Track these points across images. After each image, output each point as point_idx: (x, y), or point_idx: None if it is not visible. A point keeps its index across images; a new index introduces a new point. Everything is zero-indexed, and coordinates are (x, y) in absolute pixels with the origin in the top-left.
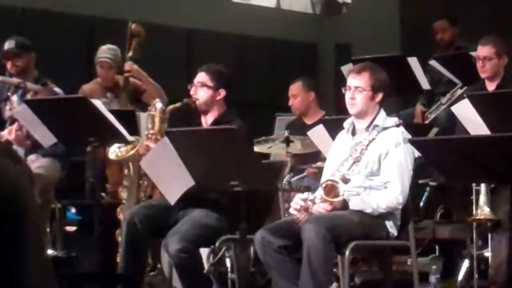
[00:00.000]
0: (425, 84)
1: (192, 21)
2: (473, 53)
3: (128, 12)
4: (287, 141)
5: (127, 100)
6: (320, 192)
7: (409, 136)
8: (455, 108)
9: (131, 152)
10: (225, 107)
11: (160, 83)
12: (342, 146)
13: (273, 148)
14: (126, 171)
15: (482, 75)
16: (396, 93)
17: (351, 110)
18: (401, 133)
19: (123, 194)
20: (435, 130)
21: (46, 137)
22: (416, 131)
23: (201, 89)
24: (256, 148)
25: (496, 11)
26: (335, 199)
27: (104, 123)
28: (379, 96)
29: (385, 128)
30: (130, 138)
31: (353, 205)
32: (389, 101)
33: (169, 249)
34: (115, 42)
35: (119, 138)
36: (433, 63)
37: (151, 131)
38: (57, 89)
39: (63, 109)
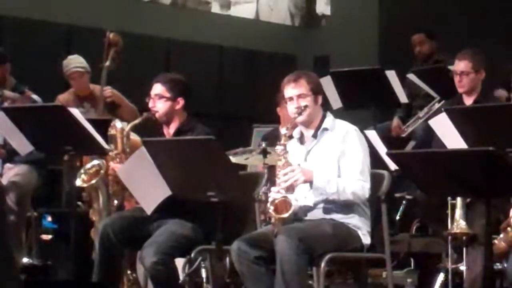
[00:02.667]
0: (403, 97)
1: (171, 31)
2: (451, 67)
3: (106, 21)
4: (264, 153)
5: (104, 110)
6: (272, 214)
7: (360, 134)
8: (432, 122)
9: (97, 178)
10: (185, 115)
11: (137, 93)
12: (293, 156)
13: (250, 159)
14: (94, 195)
15: (460, 90)
16: (374, 106)
17: (300, 118)
18: (354, 130)
19: (94, 217)
20: (412, 143)
21: (23, 145)
22: (393, 144)
23: (159, 101)
24: (233, 159)
25: (475, 25)
26: (287, 214)
27: (82, 132)
28: (320, 99)
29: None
30: (94, 161)
31: (317, 181)
32: (367, 114)
33: (145, 262)
34: (93, 51)
35: (96, 147)
36: (411, 76)
37: (115, 152)
38: (35, 97)
39: (40, 117)
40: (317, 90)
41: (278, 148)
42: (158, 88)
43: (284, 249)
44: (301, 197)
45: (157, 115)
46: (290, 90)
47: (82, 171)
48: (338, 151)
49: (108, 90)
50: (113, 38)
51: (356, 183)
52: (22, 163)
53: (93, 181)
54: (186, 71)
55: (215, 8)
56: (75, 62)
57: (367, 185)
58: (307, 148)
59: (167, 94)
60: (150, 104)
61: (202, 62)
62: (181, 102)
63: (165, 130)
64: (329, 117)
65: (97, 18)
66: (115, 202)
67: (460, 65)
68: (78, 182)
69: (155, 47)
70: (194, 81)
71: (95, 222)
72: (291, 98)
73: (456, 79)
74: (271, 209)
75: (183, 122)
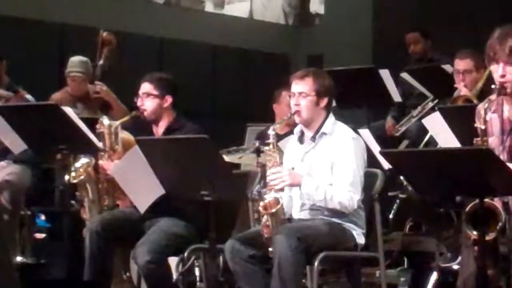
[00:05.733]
0: (396, 96)
1: (165, 30)
2: (444, 66)
3: (100, 20)
4: (258, 151)
5: (97, 110)
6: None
7: (360, 140)
8: (426, 121)
9: (85, 174)
10: (175, 114)
11: (130, 91)
12: (291, 154)
13: (244, 158)
14: (84, 193)
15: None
16: (367, 105)
17: (297, 118)
18: (352, 138)
19: (85, 215)
20: (405, 142)
21: (16, 144)
22: (387, 143)
23: (147, 99)
24: (227, 158)
25: (469, 24)
26: (275, 209)
27: (75, 131)
28: (325, 101)
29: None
30: (83, 159)
31: (306, 186)
32: (360, 113)
33: (138, 261)
34: (87, 49)
35: (89, 146)
36: (404, 75)
37: (103, 149)
38: (28, 96)
39: (34, 116)
40: (322, 92)
41: (267, 148)
42: (145, 87)
43: (283, 249)
44: (295, 197)
45: (145, 113)
46: (294, 86)
47: (72, 168)
48: (332, 158)
49: (99, 86)
50: (106, 37)
51: (345, 194)
52: (15, 161)
53: (81, 177)
54: (179, 70)
55: (209, 7)
56: (82, 66)
57: (356, 197)
58: (305, 149)
59: (155, 92)
60: (139, 103)
61: (195, 61)
62: (169, 99)
63: (154, 130)
64: (330, 120)
65: (91, 17)
66: (106, 201)
67: (461, 64)
68: (67, 178)
69: (148, 46)
70: (188, 80)
71: (86, 222)
72: (293, 94)
73: (459, 78)
74: (261, 207)
75: (172, 121)
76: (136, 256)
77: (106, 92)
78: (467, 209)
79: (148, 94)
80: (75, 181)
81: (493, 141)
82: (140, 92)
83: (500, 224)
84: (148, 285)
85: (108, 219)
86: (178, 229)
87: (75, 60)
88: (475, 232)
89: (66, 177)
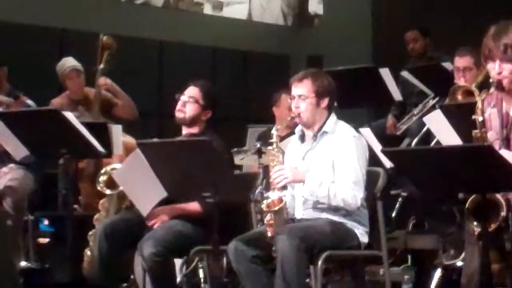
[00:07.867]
0: (397, 95)
1: (164, 33)
2: (444, 64)
3: (99, 24)
4: (259, 153)
5: (99, 113)
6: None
7: (362, 139)
8: (427, 119)
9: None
10: (205, 126)
11: (131, 94)
12: (293, 153)
13: (245, 160)
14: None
15: None
16: (368, 104)
17: (298, 120)
18: (353, 137)
19: (103, 211)
20: (407, 141)
21: (18, 150)
22: (388, 142)
23: (191, 103)
24: None
25: (468, 22)
26: (278, 207)
27: (76, 135)
28: (325, 101)
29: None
30: (102, 150)
31: (309, 182)
32: (361, 112)
33: (143, 253)
34: (87, 54)
35: (91, 150)
36: (405, 74)
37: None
38: (29, 102)
39: (35, 122)
40: (322, 92)
41: (270, 147)
42: (195, 91)
43: (285, 249)
44: (298, 196)
45: (181, 116)
46: (293, 88)
47: (103, 171)
48: (333, 157)
49: (102, 79)
50: (106, 41)
51: (348, 191)
52: (16, 166)
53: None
54: (179, 73)
55: (208, 9)
56: (70, 62)
57: (359, 195)
58: (306, 147)
59: (201, 101)
60: (180, 105)
61: (195, 63)
62: (208, 114)
63: (183, 130)
64: (332, 119)
65: (90, 21)
66: (126, 200)
67: (461, 61)
68: (101, 179)
69: (148, 49)
70: (188, 83)
71: (100, 218)
72: (293, 97)
73: (459, 75)
74: (263, 206)
75: (200, 131)
76: (141, 248)
77: (111, 85)
78: (468, 202)
79: (196, 100)
80: (103, 185)
81: (491, 136)
82: (187, 93)
83: (502, 214)
84: (151, 279)
85: (117, 222)
86: (185, 229)
87: (61, 62)
88: (475, 223)
89: (100, 178)
